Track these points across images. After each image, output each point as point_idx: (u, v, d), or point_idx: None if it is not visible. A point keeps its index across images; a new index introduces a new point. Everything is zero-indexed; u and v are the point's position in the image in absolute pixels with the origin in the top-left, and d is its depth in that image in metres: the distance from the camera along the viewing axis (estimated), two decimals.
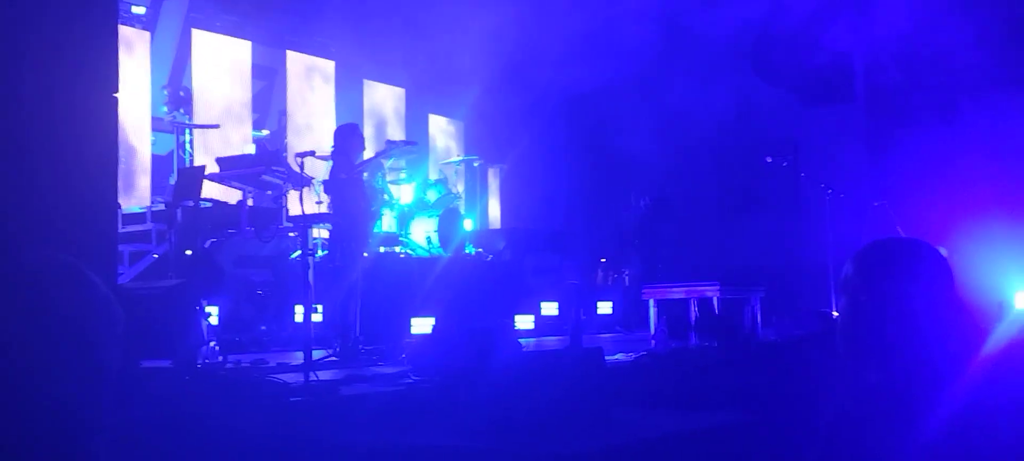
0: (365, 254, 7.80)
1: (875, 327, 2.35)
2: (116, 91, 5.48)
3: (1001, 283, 9.12)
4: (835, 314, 8.36)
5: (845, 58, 13.40)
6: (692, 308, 8.31)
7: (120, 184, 10.18)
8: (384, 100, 14.01)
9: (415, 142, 10.68)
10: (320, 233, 8.66)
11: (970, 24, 11.57)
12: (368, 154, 9.69)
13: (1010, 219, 9.49)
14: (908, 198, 10.31)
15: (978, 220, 9.57)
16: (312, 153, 7.43)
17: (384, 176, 9.79)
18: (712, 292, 8.26)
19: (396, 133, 13.91)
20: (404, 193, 10.68)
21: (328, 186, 7.74)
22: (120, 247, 8.68)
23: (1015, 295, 9.06)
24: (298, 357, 6.66)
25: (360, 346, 7.34)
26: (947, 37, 11.83)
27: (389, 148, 9.38)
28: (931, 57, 12.27)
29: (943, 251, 7.75)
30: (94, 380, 1.84)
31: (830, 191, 9.58)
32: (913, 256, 2.40)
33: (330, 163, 7.92)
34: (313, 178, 7.76)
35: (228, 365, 6.13)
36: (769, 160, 9.91)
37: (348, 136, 7.93)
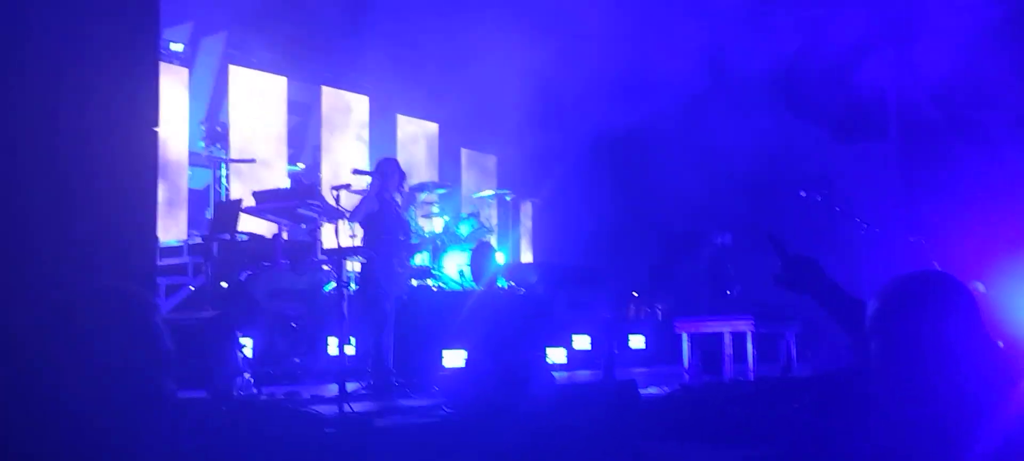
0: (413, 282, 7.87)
1: (911, 363, 2.34)
2: (156, 126, 5.58)
3: None
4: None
5: (879, 92, 13.36)
6: (726, 342, 8.26)
7: (159, 217, 10.35)
8: (417, 134, 14.11)
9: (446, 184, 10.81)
10: (354, 266, 8.72)
11: (1006, 57, 11.50)
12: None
13: None
14: (944, 233, 10.21)
15: (1015, 255, 9.46)
16: (347, 186, 7.50)
17: (415, 212, 9.88)
18: (745, 326, 8.20)
19: (430, 167, 14.00)
20: (436, 226, 10.73)
21: (364, 220, 7.79)
22: (158, 279, 8.79)
23: None
24: (332, 389, 6.70)
25: (393, 379, 7.37)
26: (982, 70, 11.77)
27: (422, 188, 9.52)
28: (966, 91, 12.20)
29: (981, 287, 7.66)
30: (155, 404, 1.90)
31: (866, 226, 9.51)
32: (944, 289, 2.41)
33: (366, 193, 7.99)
34: (347, 212, 7.82)
35: (263, 397, 6.17)
36: (804, 195, 9.85)
37: (389, 170, 8.00)
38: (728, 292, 11.06)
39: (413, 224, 9.80)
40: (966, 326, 2.38)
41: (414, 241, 9.32)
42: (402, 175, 8.12)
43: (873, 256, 9.54)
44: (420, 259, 10.32)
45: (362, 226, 7.84)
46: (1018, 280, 9.08)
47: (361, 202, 7.80)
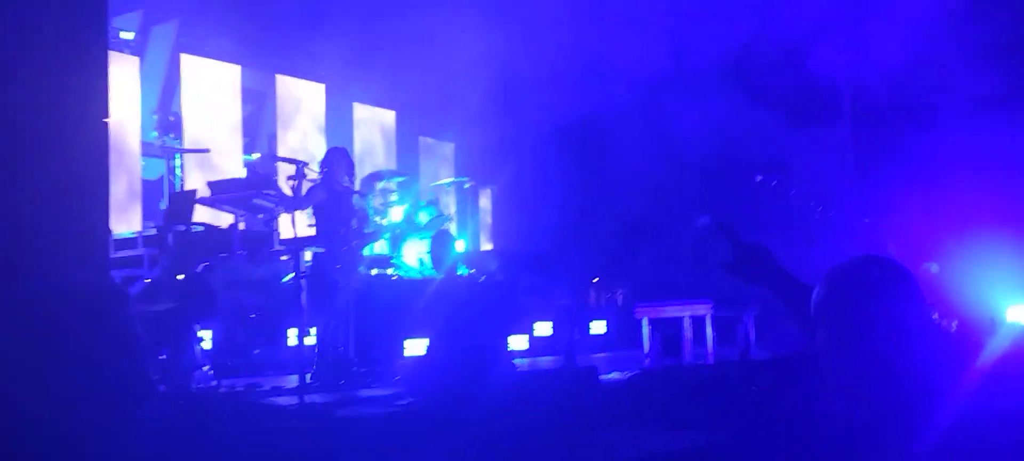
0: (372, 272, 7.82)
1: (855, 348, 2.36)
2: (106, 117, 5.50)
3: (992, 298, 9.14)
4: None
5: (832, 78, 13.49)
6: (685, 326, 8.32)
7: (111, 209, 10.19)
8: (374, 122, 14.03)
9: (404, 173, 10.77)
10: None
11: (955, 40, 11.65)
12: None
13: (999, 234, 9.53)
14: (897, 215, 10.35)
15: (968, 235, 9.60)
16: (302, 173, 7.45)
17: (374, 201, 9.82)
18: (705, 310, 8.27)
19: (388, 156, 13.93)
20: (395, 215, 10.68)
21: (315, 210, 7.73)
22: (112, 272, 8.65)
23: (1006, 310, 9.08)
24: (292, 380, 6.66)
25: (354, 368, 7.33)
26: (932, 54, 11.92)
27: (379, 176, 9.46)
28: (917, 74, 12.36)
29: (934, 267, 7.77)
30: (140, 396, 1.90)
31: (820, 209, 9.61)
32: (886, 273, 2.42)
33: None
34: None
35: (222, 389, 6.11)
36: (759, 179, 9.94)
37: (337, 160, 7.94)
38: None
39: (369, 213, 9.73)
40: (909, 309, 2.40)
41: (368, 230, 9.28)
42: (350, 164, 8.06)
43: (828, 239, 9.64)
44: (379, 247, 10.27)
45: (314, 216, 7.78)
46: (970, 260, 9.24)
47: (308, 191, 7.75)
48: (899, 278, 2.42)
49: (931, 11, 11.64)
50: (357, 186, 8.46)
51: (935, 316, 8.45)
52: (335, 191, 7.74)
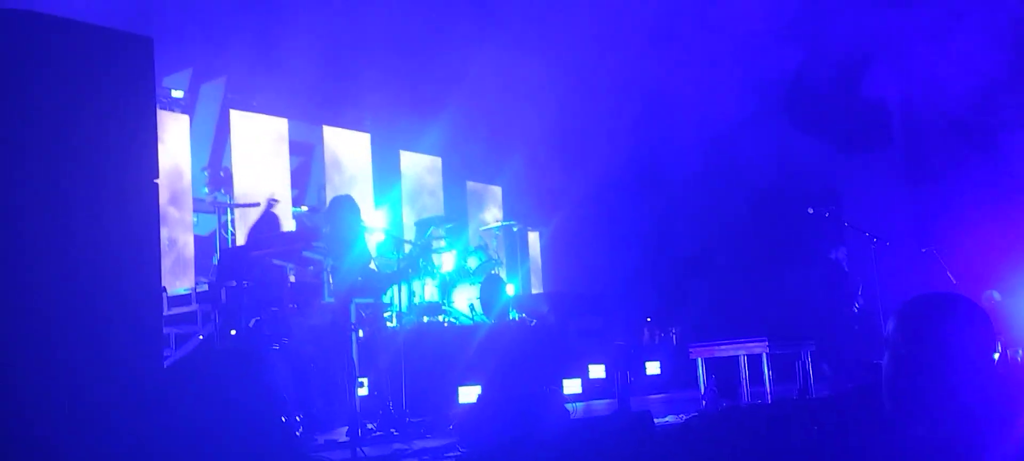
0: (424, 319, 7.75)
1: (915, 380, 2.39)
2: (156, 177, 5.54)
3: None
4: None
5: (882, 103, 13.31)
6: (742, 365, 8.17)
7: (165, 267, 10.31)
8: (421, 169, 14.09)
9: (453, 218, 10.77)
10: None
11: (1005, 61, 11.45)
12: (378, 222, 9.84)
13: None
14: (955, 242, 10.13)
15: None
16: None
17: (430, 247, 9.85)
18: (760, 348, 8.12)
19: (435, 202, 13.97)
20: (445, 261, 10.68)
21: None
22: (166, 329, 8.74)
23: None
24: (343, 433, 6.64)
25: (407, 418, 7.29)
26: (983, 76, 11.72)
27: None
28: (968, 97, 12.16)
29: (996, 295, 7.58)
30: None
31: (875, 240, 9.42)
32: (950, 310, 2.44)
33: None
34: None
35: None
36: (811, 211, 9.78)
37: (343, 208, 7.95)
38: (856, 306, 10.91)
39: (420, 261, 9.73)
40: (973, 346, 2.41)
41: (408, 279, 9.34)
42: (357, 209, 8.09)
43: (885, 269, 9.44)
44: (430, 293, 10.26)
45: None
46: None
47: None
48: (970, 317, 2.44)
49: (985, 32, 11.46)
50: (408, 234, 8.47)
51: (999, 349, 8.25)
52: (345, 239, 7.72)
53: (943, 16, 11.75)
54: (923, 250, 9.58)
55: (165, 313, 8.70)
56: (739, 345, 8.25)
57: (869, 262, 9.47)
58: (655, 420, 5.62)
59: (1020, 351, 8.43)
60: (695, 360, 8.57)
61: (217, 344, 8.14)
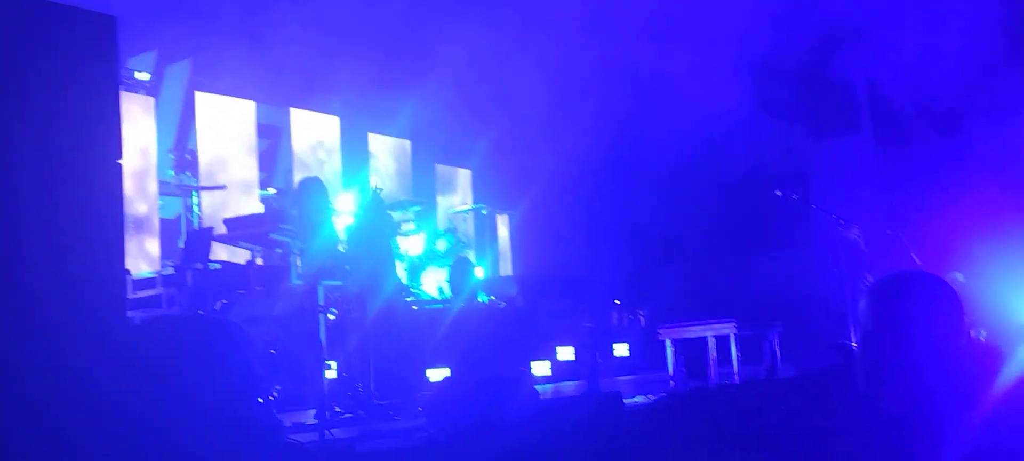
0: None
1: (885, 358, 2.41)
2: (120, 157, 5.46)
3: (1020, 306, 8.99)
4: (854, 345, 8.25)
5: (850, 87, 13.39)
6: (710, 346, 8.21)
7: (130, 249, 10.20)
8: (390, 152, 14.02)
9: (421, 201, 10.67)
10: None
11: (974, 46, 11.54)
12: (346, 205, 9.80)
13: None
14: (922, 224, 10.22)
15: (993, 244, 9.47)
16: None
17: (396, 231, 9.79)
18: (728, 329, 8.16)
19: (404, 184, 13.92)
20: (414, 244, 10.63)
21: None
22: (131, 312, 8.63)
23: None
24: (311, 416, 6.61)
25: (375, 400, 7.26)
26: (951, 60, 11.81)
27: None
28: (936, 81, 12.25)
29: (960, 277, 7.63)
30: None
31: (842, 222, 9.48)
32: (919, 288, 2.47)
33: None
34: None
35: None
36: (779, 194, 9.83)
37: (311, 191, 7.88)
38: (869, 278, 10.91)
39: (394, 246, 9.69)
40: (942, 324, 2.44)
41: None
42: (325, 191, 8.03)
43: (852, 251, 9.51)
44: (399, 276, 10.22)
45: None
46: (996, 269, 9.09)
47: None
48: (941, 296, 2.47)
49: (954, 17, 11.55)
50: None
51: (983, 335, 8.33)
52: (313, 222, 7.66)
53: (910, 1, 11.83)
54: (888, 232, 9.64)
55: (129, 296, 8.59)
56: (707, 326, 8.29)
57: (836, 246, 9.54)
58: (624, 401, 5.63)
59: (983, 332, 8.52)
60: (663, 341, 8.60)
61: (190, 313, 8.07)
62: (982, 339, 8.26)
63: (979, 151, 12.03)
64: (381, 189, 9.04)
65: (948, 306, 2.45)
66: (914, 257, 9.43)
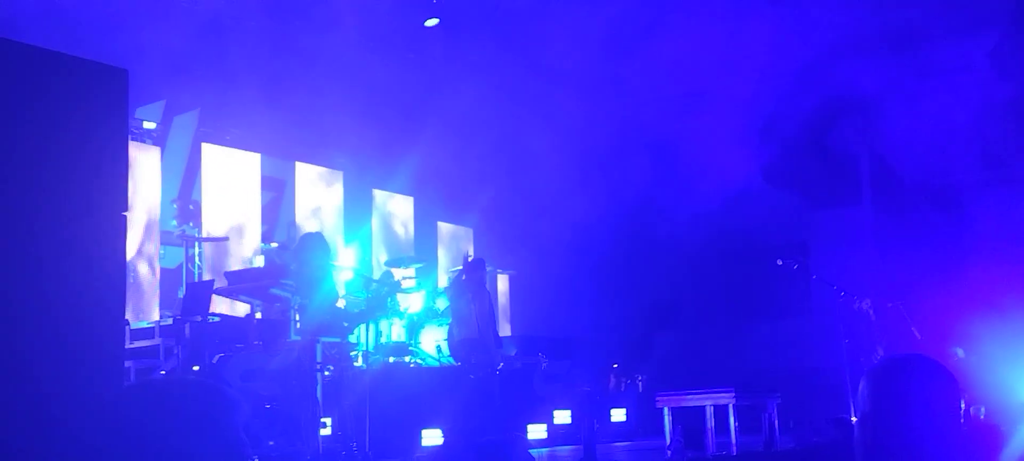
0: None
1: (884, 441, 2.44)
2: (126, 209, 5.48)
3: (1019, 382, 8.96)
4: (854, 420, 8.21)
5: (852, 159, 13.47)
6: (708, 415, 8.16)
7: (129, 299, 10.19)
8: (393, 209, 14.07)
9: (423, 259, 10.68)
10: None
11: (972, 123, 11.64)
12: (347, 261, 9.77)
13: None
14: (921, 298, 10.22)
15: (993, 318, 9.47)
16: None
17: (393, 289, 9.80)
18: (727, 399, 8.12)
19: (406, 241, 13.94)
20: (413, 302, 10.63)
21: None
22: (128, 363, 8.60)
23: None
24: None
25: (369, 460, 7.22)
26: (950, 135, 11.90)
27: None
28: (936, 157, 12.33)
29: (960, 352, 7.60)
30: None
31: (843, 293, 9.48)
32: (918, 371, 2.49)
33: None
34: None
35: None
36: (780, 263, 9.84)
37: (313, 246, 7.88)
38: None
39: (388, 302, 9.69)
40: (949, 409, 2.47)
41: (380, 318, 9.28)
42: (327, 247, 8.00)
43: (852, 323, 9.50)
44: (397, 333, 10.21)
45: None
46: (996, 344, 9.07)
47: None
48: (941, 382, 2.48)
49: (953, 93, 11.65)
50: (376, 273, 8.42)
51: (982, 411, 8.29)
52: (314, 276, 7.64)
53: (912, 77, 11.94)
54: (888, 305, 9.63)
55: (127, 346, 8.57)
56: (706, 395, 8.24)
57: (836, 317, 9.53)
58: None
59: (983, 408, 8.48)
60: (661, 409, 8.55)
61: (180, 375, 8.04)
62: (981, 417, 8.22)
63: (979, 226, 12.07)
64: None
65: (946, 389, 2.48)
66: (914, 331, 9.42)
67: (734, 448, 7.97)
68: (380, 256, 13.18)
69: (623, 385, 12.08)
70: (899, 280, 11.18)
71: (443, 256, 14.52)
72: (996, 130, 11.75)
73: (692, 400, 8.36)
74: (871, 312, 9.38)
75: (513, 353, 11.42)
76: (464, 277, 9.97)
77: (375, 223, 13.64)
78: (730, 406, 8.10)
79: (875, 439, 2.49)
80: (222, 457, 1.86)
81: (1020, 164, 12.10)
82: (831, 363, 9.72)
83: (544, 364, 10.58)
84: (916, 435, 2.42)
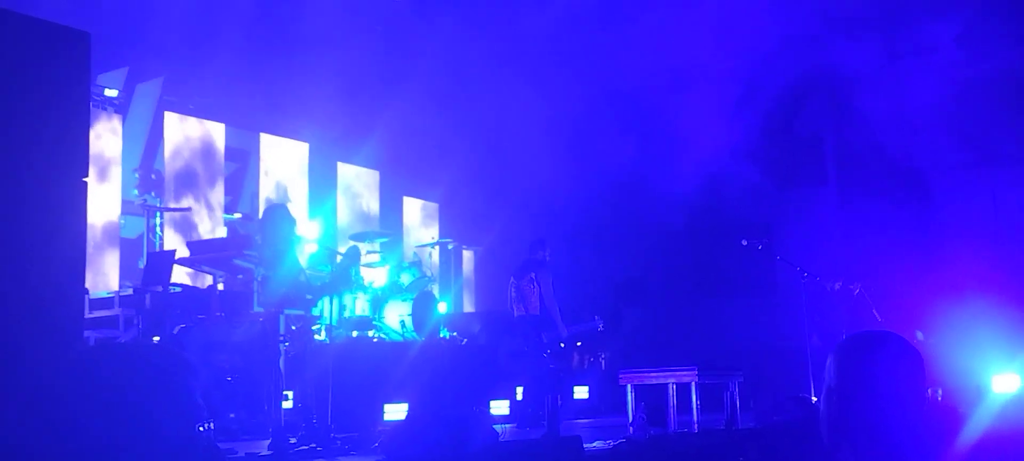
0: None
1: (849, 416, 2.45)
2: (85, 175, 5.39)
3: (978, 366, 9.08)
4: (815, 400, 8.29)
5: (817, 141, 13.55)
6: (670, 393, 8.20)
7: (89, 268, 10.05)
8: (358, 182, 13.97)
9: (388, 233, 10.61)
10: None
11: (939, 105, 11.74)
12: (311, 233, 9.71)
13: (985, 300, 9.50)
14: (884, 281, 10.31)
15: (954, 302, 9.58)
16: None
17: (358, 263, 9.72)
18: (690, 377, 8.16)
19: (371, 216, 13.86)
20: (378, 276, 10.58)
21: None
22: (87, 332, 8.49)
23: (992, 378, 9.02)
24: (266, 447, 6.52)
25: (331, 434, 7.17)
26: (917, 119, 11.99)
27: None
28: (902, 138, 12.43)
29: (919, 335, 7.67)
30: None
31: (806, 274, 9.55)
32: (882, 348, 2.51)
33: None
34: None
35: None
36: (745, 243, 9.89)
37: (277, 218, 7.80)
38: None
39: (352, 274, 9.62)
40: (915, 387, 2.48)
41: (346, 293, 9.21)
42: (292, 220, 7.92)
43: (815, 304, 9.58)
44: (361, 308, 10.15)
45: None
46: (956, 328, 9.19)
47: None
48: (901, 354, 2.50)
49: (921, 75, 11.73)
50: (341, 246, 8.35)
51: (940, 394, 8.39)
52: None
53: (880, 58, 12.02)
54: (850, 287, 9.71)
55: (86, 315, 8.46)
56: (669, 373, 8.28)
57: (800, 297, 9.60)
58: (584, 446, 5.60)
59: (940, 390, 8.59)
60: (624, 386, 8.58)
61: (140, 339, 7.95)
62: (938, 399, 8.33)
63: (944, 209, 12.20)
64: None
65: (913, 367, 2.49)
66: (875, 313, 9.50)
67: (696, 426, 8.02)
68: (345, 230, 13.09)
69: (587, 362, 12.11)
70: (863, 262, 11.28)
71: (408, 230, 14.45)
72: (962, 113, 11.86)
73: (655, 378, 8.39)
74: (846, 291, 9.47)
75: (477, 330, 11.40)
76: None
77: (340, 196, 13.54)
78: (693, 384, 8.15)
79: (840, 413, 2.50)
80: (178, 419, 1.83)
81: (986, 147, 12.23)
82: (794, 343, 9.80)
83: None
84: (881, 410, 2.44)
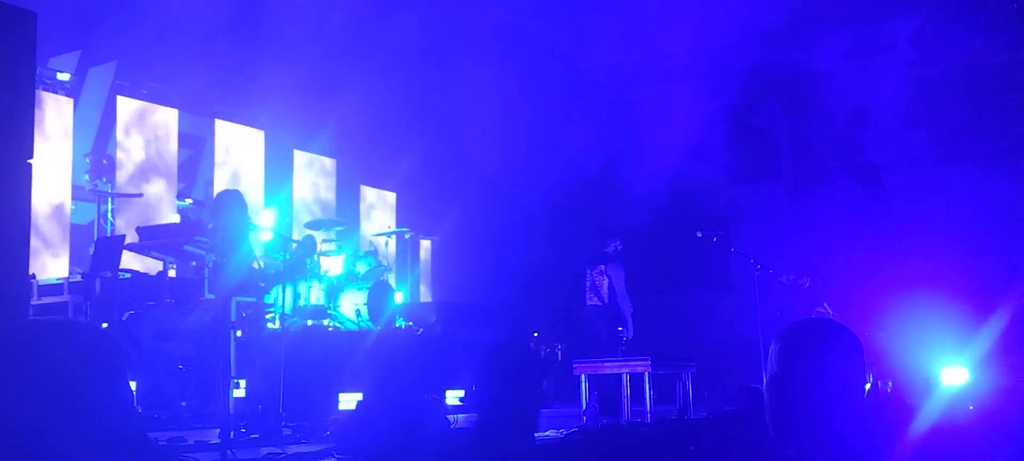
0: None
1: (793, 404, 2.45)
2: (30, 157, 5.29)
3: (928, 359, 9.20)
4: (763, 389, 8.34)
5: (773, 136, 13.66)
6: (624, 383, 8.24)
7: (37, 254, 9.88)
8: (315, 170, 13.87)
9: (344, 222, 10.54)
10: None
11: (892, 102, 11.87)
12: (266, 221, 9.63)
13: (935, 294, 9.62)
14: (837, 274, 10.42)
15: (904, 296, 9.69)
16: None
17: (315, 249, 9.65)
18: (643, 367, 8.20)
19: (328, 204, 13.76)
20: (333, 265, 10.50)
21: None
22: (33, 318, 8.34)
23: (941, 371, 9.14)
24: (216, 435, 6.45)
25: (283, 423, 7.11)
26: (872, 115, 12.12)
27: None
28: (857, 134, 12.57)
29: (873, 329, 7.65)
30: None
31: (759, 267, 9.63)
32: (826, 338, 2.51)
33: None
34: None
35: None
36: (700, 235, 9.96)
37: (230, 204, 7.71)
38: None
39: (307, 262, 9.56)
40: (857, 375, 2.49)
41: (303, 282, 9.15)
42: (244, 205, 7.84)
43: (768, 297, 9.65)
44: (316, 296, 10.08)
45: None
46: (906, 321, 9.30)
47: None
48: (849, 346, 2.50)
49: (874, 73, 11.85)
50: (296, 234, 8.27)
51: (870, 380, 8.49)
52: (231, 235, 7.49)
53: (836, 55, 12.12)
54: (800, 281, 9.79)
55: (33, 301, 8.32)
56: (622, 363, 8.32)
57: (753, 290, 9.67)
58: (536, 434, 5.60)
59: (890, 383, 8.70)
60: (578, 376, 8.60)
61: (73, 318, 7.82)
62: (888, 391, 8.43)
63: (895, 205, 12.34)
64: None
65: (855, 356, 2.49)
66: (826, 307, 9.60)
67: (649, 416, 8.06)
68: (301, 217, 12.99)
69: (543, 353, 12.13)
70: (816, 256, 11.39)
71: (365, 219, 14.38)
72: (915, 111, 12.01)
73: (609, 368, 8.43)
74: (796, 283, 9.55)
75: (433, 319, 11.36)
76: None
77: (296, 184, 13.43)
78: (646, 375, 8.19)
79: (781, 401, 2.50)
80: (107, 402, 1.79)
81: (939, 144, 12.39)
82: (746, 334, 9.88)
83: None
84: (822, 396, 2.44)
